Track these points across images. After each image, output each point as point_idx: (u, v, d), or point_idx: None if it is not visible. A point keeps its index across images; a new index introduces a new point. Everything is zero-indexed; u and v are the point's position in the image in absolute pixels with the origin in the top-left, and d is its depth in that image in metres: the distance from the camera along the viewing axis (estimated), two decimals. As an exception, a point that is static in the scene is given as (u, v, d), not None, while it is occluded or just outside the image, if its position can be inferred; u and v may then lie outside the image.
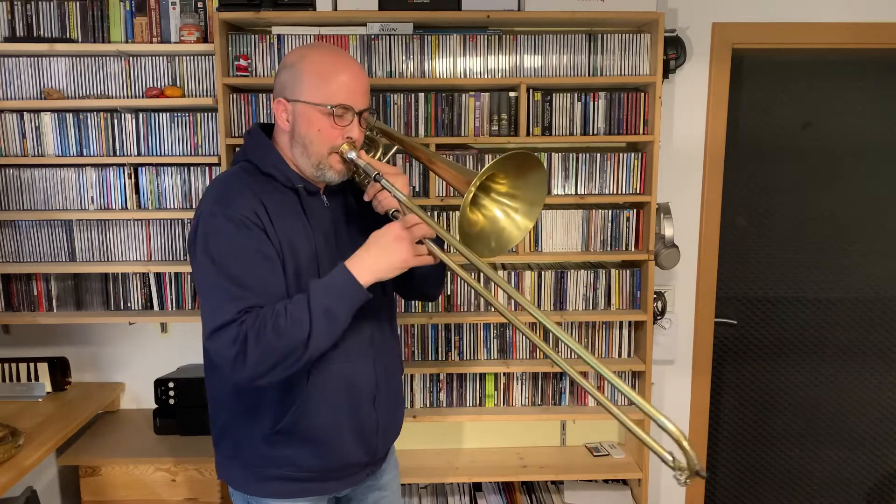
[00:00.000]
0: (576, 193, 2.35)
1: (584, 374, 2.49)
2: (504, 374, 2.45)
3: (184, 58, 2.31)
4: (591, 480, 2.56)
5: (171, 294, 2.43)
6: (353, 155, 1.41)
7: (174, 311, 2.43)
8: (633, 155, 2.34)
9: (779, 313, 2.75)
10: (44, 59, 2.30)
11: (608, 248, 2.38)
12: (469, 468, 2.48)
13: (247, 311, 1.31)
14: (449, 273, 2.33)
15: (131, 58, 2.31)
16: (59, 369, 2.48)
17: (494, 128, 2.30)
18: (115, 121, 2.32)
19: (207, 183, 2.34)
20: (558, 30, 2.29)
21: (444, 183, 2.32)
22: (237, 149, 2.27)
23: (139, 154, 2.33)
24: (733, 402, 2.81)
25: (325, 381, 1.45)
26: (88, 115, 2.32)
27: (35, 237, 2.38)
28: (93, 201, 2.36)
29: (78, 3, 2.28)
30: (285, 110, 1.43)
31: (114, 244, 2.38)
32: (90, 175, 2.34)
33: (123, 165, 2.34)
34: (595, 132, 2.31)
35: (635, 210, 2.37)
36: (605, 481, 2.58)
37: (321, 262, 1.44)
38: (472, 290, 2.38)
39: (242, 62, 2.23)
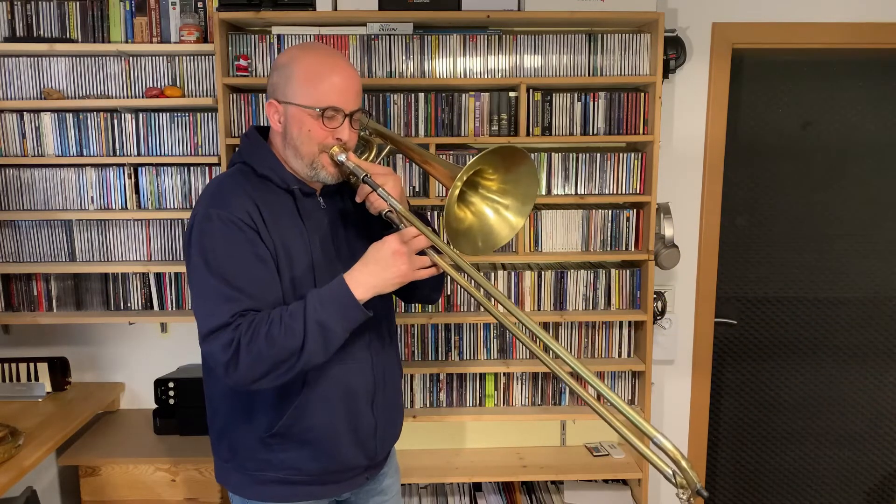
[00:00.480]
0: (576, 193, 2.35)
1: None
2: (504, 374, 2.45)
3: (184, 58, 2.31)
4: (590, 480, 2.56)
5: (171, 294, 2.43)
6: (342, 157, 1.40)
7: (174, 311, 2.43)
8: (632, 155, 2.34)
9: (779, 313, 2.75)
10: (44, 59, 2.30)
11: (608, 248, 2.38)
12: (469, 468, 2.48)
13: (241, 315, 1.31)
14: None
15: (131, 58, 2.31)
16: (59, 369, 2.48)
17: (494, 128, 2.30)
18: (115, 121, 2.32)
19: (207, 183, 2.34)
20: (558, 30, 2.29)
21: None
22: (237, 149, 2.28)
23: (139, 154, 2.33)
24: (733, 402, 2.81)
25: (322, 383, 1.44)
26: (88, 115, 2.32)
27: (35, 237, 2.38)
28: (93, 201, 2.36)
29: (78, 3, 2.28)
30: (277, 112, 1.43)
31: (114, 244, 2.38)
32: (90, 175, 2.34)
33: (123, 165, 2.34)
34: (595, 132, 2.31)
35: (635, 210, 2.37)
36: (605, 481, 2.58)
37: (317, 264, 1.44)
38: (472, 290, 2.37)
39: (242, 62, 2.24)
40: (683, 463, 1.07)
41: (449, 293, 2.38)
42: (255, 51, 2.25)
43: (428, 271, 1.36)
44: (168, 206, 2.36)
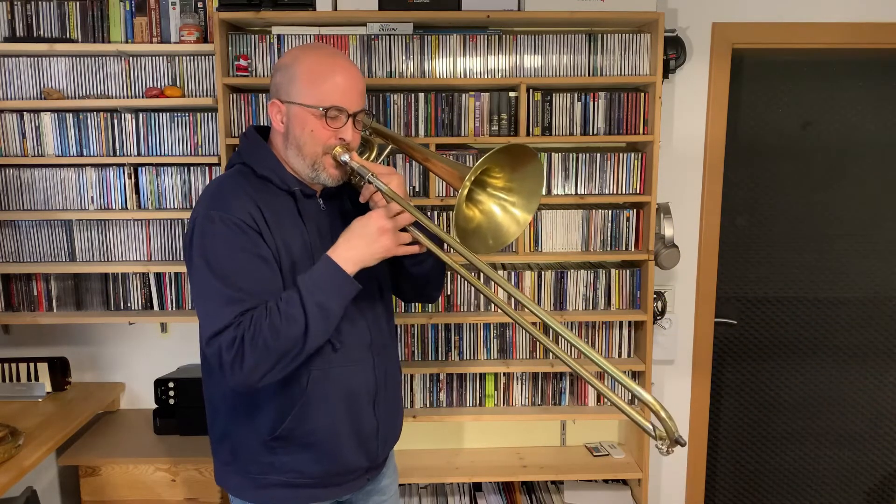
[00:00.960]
0: (576, 193, 2.35)
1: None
2: (504, 374, 2.45)
3: (184, 58, 2.31)
4: (591, 480, 2.56)
5: (171, 294, 2.43)
6: (345, 157, 1.40)
7: (174, 311, 2.43)
8: (632, 155, 2.34)
9: (779, 313, 2.75)
10: (44, 59, 2.30)
11: (608, 248, 2.38)
12: (469, 468, 2.48)
13: (242, 315, 1.30)
14: (449, 273, 2.33)
15: (131, 58, 2.31)
16: (59, 369, 2.48)
17: (494, 128, 2.30)
18: (115, 121, 2.32)
19: (207, 183, 2.34)
20: (558, 30, 2.29)
21: (445, 182, 2.31)
22: (237, 149, 2.28)
23: (139, 154, 2.33)
24: (733, 402, 2.81)
25: (323, 385, 1.44)
26: (88, 115, 2.32)
27: (35, 237, 2.38)
28: (93, 201, 2.36)
29: (78, 3, 2.28)
30: (280, 111, 1.42)
31: (114, 244, 2.38)
32: (90, 175, 2.34)
33: (123, 165, 2.34)
34: (595, 132, 2.31)
35: (635, 210, 2.37)
36: (605, 481, 2.58)
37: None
38: (473, 290, 2.38)
39: (242, 62, 2.24)
40: (663, 413, 1.12)
41: (449, 293, 2.38)
42: (255, 51, 2.25)
43: (411, 248, 1.38)
44: (168, 206, 2.36)
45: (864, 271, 2.72)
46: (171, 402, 2.39)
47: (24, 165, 2.33)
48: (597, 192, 2.35)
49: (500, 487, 2.58)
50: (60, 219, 2.36)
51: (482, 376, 2.45)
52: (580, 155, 2.33)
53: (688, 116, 2.53)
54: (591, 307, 2.41)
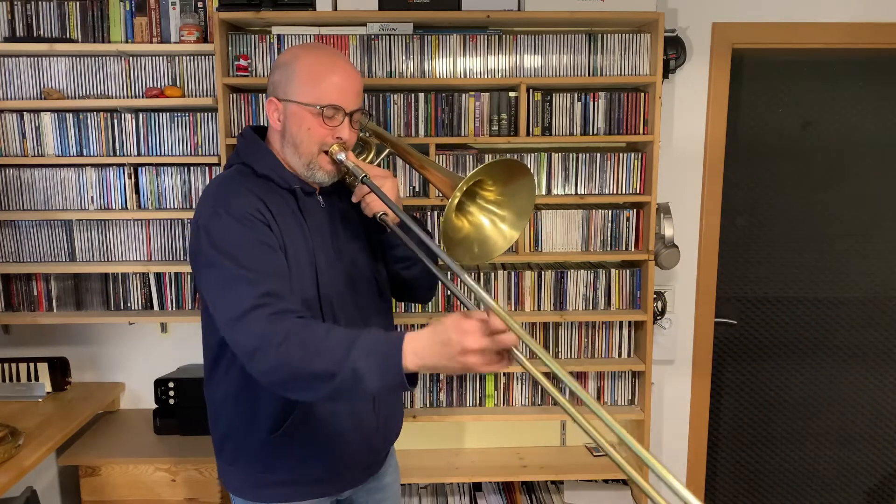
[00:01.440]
0: (576, 193, 2.35)
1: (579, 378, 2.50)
2: (504, 374, 2.45)
3: (184, 58, 2.31)
4: (590, 480, 2.56)
5: (171, 294, 2.43)
6: (341, 156, 1.40)
7: (174, 311, 2.43)
8: (632, 155, 2.33)
9: (779, 313, 2.75)
10: (44, 59, 2.30)
11: (608, 248, 2.38)
12: (469, 468, 2.48)
13: (268, 296, 1.24)
14: (448, 273, 2.33)
15: (131, 58, 2.31)
16: (59, 369, 2.48)
17: (494, 128, 2.30)
18: (115, 121, 2.32)
19: (207, 183, 2.34)
20: (558, 30, 2.29)
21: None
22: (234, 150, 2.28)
23: (139, 154, 2.33)
24: (733, 402, 2.81)
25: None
26: (88, 115, 2.32)
27: (35, 237, 2.38)
28: (93, 201, 2.36)
29: (78, 3, 2.28)
30: (277, 109, 1.43)
31: (114, 244, 2.38)
32: (90, 175, 2.34)
33: (123, 165, 2.34)
34: (595, 132, 2.31)
35: (635, 210, 2.37)
36: (605, 481, 2.58)
37: (318, 262, 1.43)
38: (472, 291, 2.37)
39: (242, 62, 2.24)
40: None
41: (449, 293, 2.38)
42: (255, 51, 2.25)
43: (498, 366, 1.15)
44: (168, 206, 2.36)
45: (864, 271, 2.72)
46: (171, 402, 2.39)
47: (24, 165, 2.33)
48: (597, 192, 2.35)
49: (500, 487, 2.58)
50: (60, 219, 2.36)
51: (482, 376, 2.45)
52: (580, 155, 2.33)
53: (688, 116, 2.53)
54: (591, 307, 2.41)
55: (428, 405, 2.46)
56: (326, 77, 1.38)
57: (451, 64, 2.27)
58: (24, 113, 2.31)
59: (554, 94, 2.28)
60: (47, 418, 2.25)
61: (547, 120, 2.30)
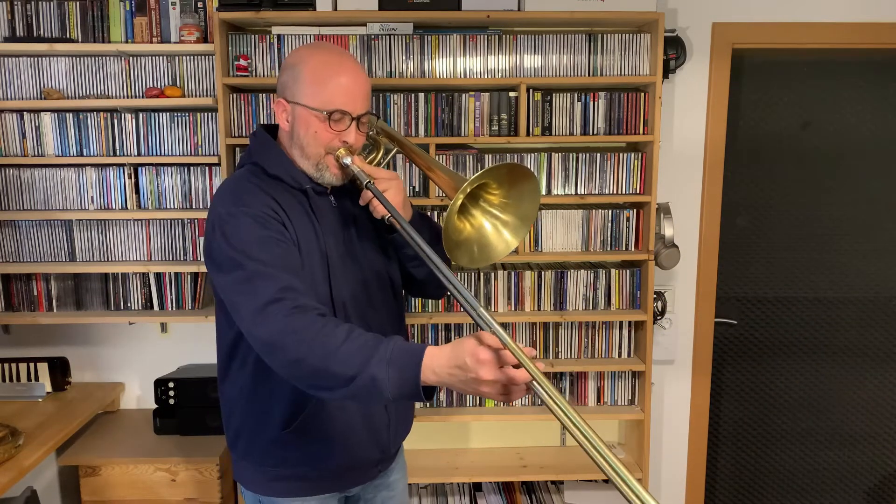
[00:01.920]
0: (576, 193, 2.35)
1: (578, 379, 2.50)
2: (504, 374, 2.45)
3: (184, 58, 2.31)
4: (591, 480, 2.56)
5: (171, 294, 2.43)
6: (347, 160, 1.40)
7: (174, 311, 2.43)
8: (633, 155, 2.34)
9: (779, 313, 2.75)
10: (44, 59, 2.30)
11: (608, 248, 2.38)
12: (469, 468, 2.48)
13: (287, 290, 1.23)
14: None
15: (131, 58, 2.31)
16: (59, 369, 2.48)
17: (494, 128, 2.30)
18: (115, 121, 2.32)
19: (208, 183, 2.35)
20: (558, 30, 2.29)
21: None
22: (238, 149, 2.28)
23: (139, 154, 2.33)
24: (733, 402, 2.81)
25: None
26: (88, 115, 2.32)
27: (35, 237, 2.38)
28: (93, 201, 2.36)
29: (78, 3, 2.28)
30: (285, 111, 1.43)
31: (114, 244, 2.38)
32: (90, 175, 2.34)
33: (123, 165, 2.34)
34: (595, 132, 2.31)
35: (635, 210, 2.37)
36: (605, 481, 2.58)
37: (331, 261, 1.44)
38: (472, 291, 2.38)
39: (242, 62, 2.24)
40: None
41: (449, 293, 2.38)
42: (255, 51, 2.25)
43: (515, 398, 1.17)
44: (168, 206, 2.36)
45: (864, 271, 2.72)
46: (171, 402, 2.39)
47: (24, 165, 2.33)
48: (597, 192, 2.35)
49: (500, 487, 2.58)
50: (60, 219, 2.36)
51: (482, 376, 2.45)
52: (580, 155, 2.33)
53: (688, 116, 2.53)
54: (591, 307, 2.41)
55: (428, 405, 2.46)
56: (333, 80, 1.37)
57: (451, 64, 2.27)
58: (24, 113, 2.31)
59: (554, 94, 2.28)
60: (47, 418, 2.25)
61: (547, 120, 2.30)
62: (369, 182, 1.38)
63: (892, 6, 2.48)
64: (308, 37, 2.25)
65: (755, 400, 2.81)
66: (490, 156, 2.33)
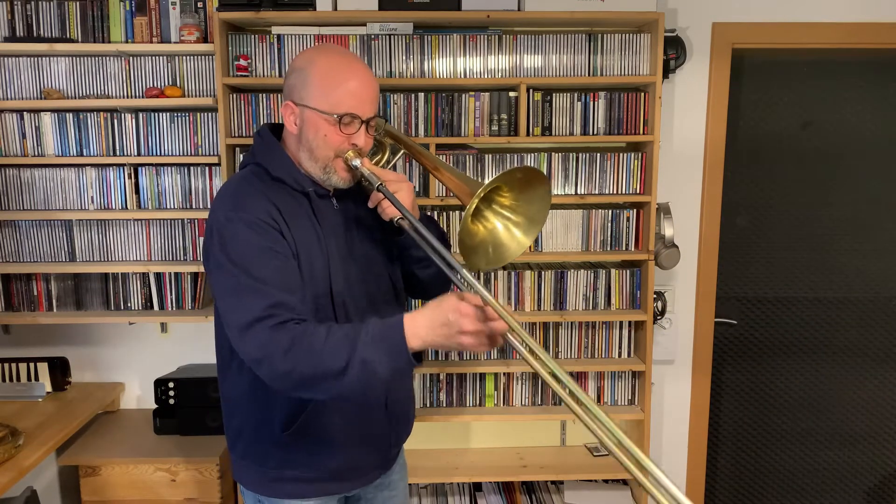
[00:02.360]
0: (576, 193, 2.35)
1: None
2: (504, 374, 2.45)
3: (184, 58, 2.31)
4: (591, 480, 2.56)
5: (171, 294, 2.43)
6: (356, 163, 1.40)
7: (174, 311, 2.43)
8: (633, 155, 2.33)
9: (779, 313, 2.75)
10: (44, 59, 2.30)
11: (608, 248, 2.38)
12: (469, 468, 2.48)
13: (275, 307, 1.27)
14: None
15: (131, 58, 2.31)
16: (59, 369, 2.48)
17: (494, 128, 2.30)
18: (115, 121, 2.32)
19: (207, 183, 2.35)
20: (558, 30, 2.29)
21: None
22: (238, 149, 2.28)
23: (139, 154, 2.33)
24: (733, 402, 2.81)
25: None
26: (88, 115, 2.32)
27: (35, 237, 2.38)
28: (93, 201, 2.36)
29: (78, 3, 2.28)
30: (293, 113, 1.42)
31: (114, 244, 2.38)
32: (90, 175, 2.34)
33: (123, 165, 2.34)
34: (595, 132, 2.31)
35: (635, 210, 2.37)
36: (605, 481, 2.58)
37: (332, 265, 1.44)
38: (472, 291, 2.37)
39: (242, 62, 2.23)
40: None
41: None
42: (255, 51, 2.24)
43: (488, 347, 1.24)
44: (168, 206, 2.36)
45: (864, 271, 2.72)
46: (171, 402, 2.39)
47: (24, 165, 2.33)
48: (597, 192, 2.35)
49: (500, 487, 2.58)
50: (60, 219, 2.36)
51: (482, 376, 2.45)
52: (580, 155, 2.33)
53: (688, 116, 2.53)
54: (591, 307, 2.41)
55: (428, 405, 2.46)
56: (343, 84, 1.37)
57: (451, 64, 2.27)
58: (24, 113, 2.31)
59: (554, 94, 2.28)
60: (47, 418, 2.25)
61: (547, 120, 2.30)
62: (381, 184, 1.38)
63: (892, 6, 2.48)
64: (308, 37, 2.25)
65: (755, 400, 2.81)
66: (490, 156, 2.33)
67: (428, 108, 2.28)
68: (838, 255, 2.71)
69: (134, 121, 2.32)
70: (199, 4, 2.29)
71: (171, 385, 2.39)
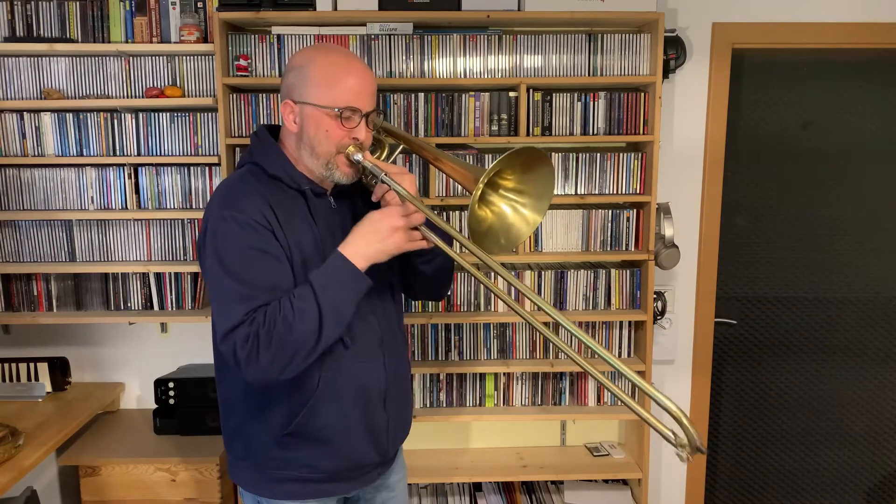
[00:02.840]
0: (576, 193, 2.35)
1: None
2: (504, 374, 2.45)
3: (184, 58, 2.31)
4: (591, 480, 2.56)
5: (171, 294, 2.43)
6: (358, 157, 1.41)
7: (174, 311, 2.43)
8: (633, 155, 2.34)
9: (779, 313, 2.75)
10: (44, 59, 2.30)
11: (608, 248, 2.38)
12: (469, 468, 2.48)
13: (255, 311, 1.31)
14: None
15: (131, 58, 2.31)
16: (59, 369, 2.48)
17: (494, 128, 2.30)
18: (115, 121, 2.32)
19: (207, 183, 2.35)
20: (558, 30, 2.29)
21: (445, 182, 2.32)
22: (238, 149, 2.28)
23: (139, 154, 2.33)
24: (733, 402, 2.81)
25: (335, 382, 1.45)
26: (88, 115, 2.32)
27: (35, 237, 2.38)
28: (93, 201, 2.36)
29: (78, 3, 2.28)
30: (293, 112, 1.43)
31: (114, 244, 2.38)
32: (90, 175, 2.34)
33: (123, 165, 2.34)
34: (595, 132, 2.31)
35: (635, 210, 2.37)
36: (605, 481, 2.58)
37: None
38: (473, 291, 2.38)
39: (242, 62, 2.24)
40: (685, 421, 1.10)
41: (448, 293, 2.38)
42: (255, 51, 2.25)
43: (420, 243, 1.41)
44: (168, 206, 2.36)
45: (864, 271, 2.72)
46: (171, 402, 2.39)
47: (24, 165, 2.33)
48: (597, 192, 2.35)
49: (500, 487, 2.58)
50: (60, 219, 2.36)
51: (482, 376, 2.45)
52: (580, 155, 2.33)
53: (688, 116, 2.53)
54: (591, 307, 2.41)
55: (428, 405, 2.46)
56: (342, 79, 1.39)
57: (451, 64, 2.27)
58: (24, 113, 2.31)
59: (554, 94, 2.28)
60: (47, 418, 2.25)
61: (547, 120, 2.30)
62: (384, 174, 1.39)
63: (892, 6, 2.48)
64: (308, 37, 2.25)
65: (755, 400, 2.81)
66: (490, 156, 2.33)
67: (428, 108, 2.28)
68: (838, 255, 2.71)
69: (134, 121, 2.32)
70: (199, 4, 2.29)
71: (171, 385, 2.39)
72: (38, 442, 2.06)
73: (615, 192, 2.35)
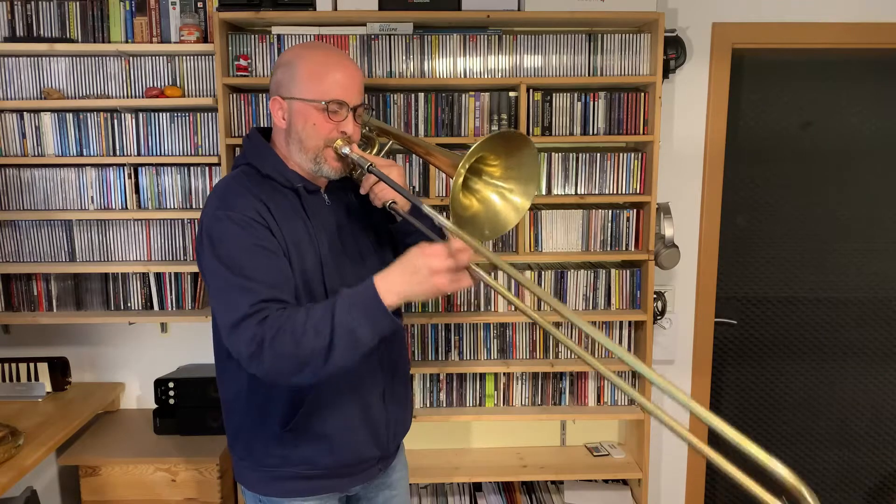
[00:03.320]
0: (576, 193, 2.35)
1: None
2: (504, 374, 2.45)
3: (184, 58, 2.31)
4: (591, 480, 2.56)
5: (171, 294, 2.43)
6: (346, 150, 1.42)
7: (174, 311, 2.43)
8: (633, 155, 2.34)
9: (779, 313, 2.75)
10: (44, 59, 2.30)
11: (608, 248, 2.38)
12: (469, 468, 2.48)
13: (263, 303, 1.29)
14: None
15: (131, 58, 2.31)
16: (59, 369, 2.48)
17: (494, 128, 2.30)
18: (115, 121, 2.32)
19: (207, 183, 2.35)
20: (558, 30, 2.29)
21: (445, 182, 2.32)
22: (237, 149, 2.28)
23: (139, 154, 2.33)
24: (733, 402, 2.81)
25: (335, 378, 1.44)
26: (88, 115, 2.32)
27: (35, 237, 2.38)
28: (93, 201, 2.36)
29: (78, 3, 2.28)
30: (281, 108, 1.44)
31: (114, 244, 2.38)
32: (90, 175, 2.34)
33: (123, 165, 2.34)
34: (595, 132, 2.31)
35: (635, 210, 2.37)
36: (605, 481, 2.58)
37: (324, 260, 1.45)
38: (473, 291, 2.38)
39: (242, 62, 2.24)
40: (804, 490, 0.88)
41: (449, 293, 2.38)
42: (255, 51, 2.24)
43: (466, 282, 1.27)
44: (168, 206, 2.36)
45: (864, 271, 2.72)
46: (171, 402, 2.39)
47: (24, 165, 2.33)
48: (597, 192, 2.35)
49: (500, 487, 2.58)
50: (60, 219, 2.36)
51: (482, 376, 2.45)
52: (580, 155, 2.33)
53: (688, 116, 2.53)
54: (591, 307, 2.41)
55: (428, 405, 2.46)
56: (330, 73, 1.40)
57: (451, 64, 2.27)
58: (24, 113, 2.31)
59: (554, 94, 2.28)
60: (47, 418, 2.25)
61: (547, 120, 2.30)
62: (371, 165, 1.39)
63: (892, 6, 2.48)
64: (308, 37, 2.25)
65: (755, 400, 2.81)
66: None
67: (428, 108, 2.28)
68: (838, 255, 2.71)
69: (134, 121, 2.32)
70: (199, 4, 2.29)
71: (171, 385, 2.39)
72: (38, 442, 2.06)
73: (615, 192, 2.35)
